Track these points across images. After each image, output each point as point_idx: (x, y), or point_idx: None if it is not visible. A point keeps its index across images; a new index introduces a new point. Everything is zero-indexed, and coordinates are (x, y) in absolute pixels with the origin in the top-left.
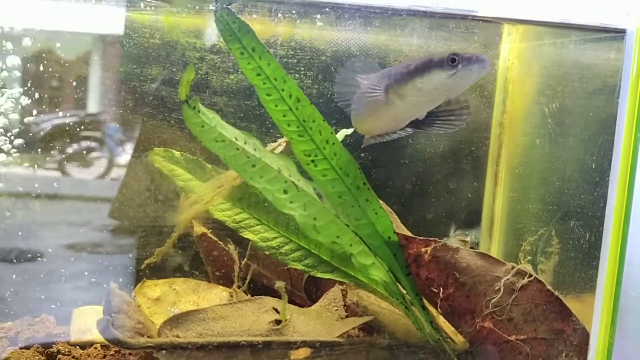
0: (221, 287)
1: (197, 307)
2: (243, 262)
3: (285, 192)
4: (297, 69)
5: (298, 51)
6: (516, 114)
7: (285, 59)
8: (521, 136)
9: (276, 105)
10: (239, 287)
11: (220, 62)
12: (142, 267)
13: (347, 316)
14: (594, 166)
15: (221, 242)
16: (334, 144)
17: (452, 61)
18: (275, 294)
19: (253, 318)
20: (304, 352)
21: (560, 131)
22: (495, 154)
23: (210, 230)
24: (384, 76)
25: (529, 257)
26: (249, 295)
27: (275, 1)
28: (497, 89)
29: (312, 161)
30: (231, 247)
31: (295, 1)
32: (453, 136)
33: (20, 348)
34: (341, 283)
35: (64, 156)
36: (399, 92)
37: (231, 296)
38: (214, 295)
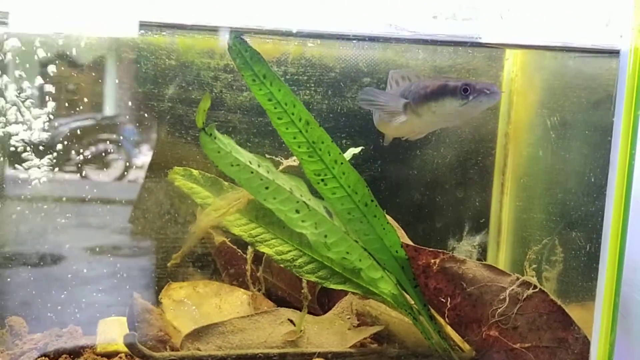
0: (242, 290)
1: (220, 309)
2: (259, 274)
3: (297, 211)
4: (308, 84)
5: (308, 68)
6: (520, 124)
7: (296, 76)
8: (525, 147)
9: (287, 128)
10: (259, 290)
11: (234, 81)
12: (169, 265)
13: (358, 324)
14: (598, 170)
15: (239, 251)
16: (342, 163)
17: (465, 91)
18: (289, 304)
19: (269, 330)
20: None
21: (563, 138)
22: (501, 164)
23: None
24: (404, 93)
25: (534, 266)
26: (267, 299)
27: (284, 33)
28: (502, 100)
29: (322, 180)
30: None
31: (303, 33)
32: (461, 146)
33: (50, 358)
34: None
35: (84, 159)
36: (416, 111)
37: (252, 299)
38: (235, 298)
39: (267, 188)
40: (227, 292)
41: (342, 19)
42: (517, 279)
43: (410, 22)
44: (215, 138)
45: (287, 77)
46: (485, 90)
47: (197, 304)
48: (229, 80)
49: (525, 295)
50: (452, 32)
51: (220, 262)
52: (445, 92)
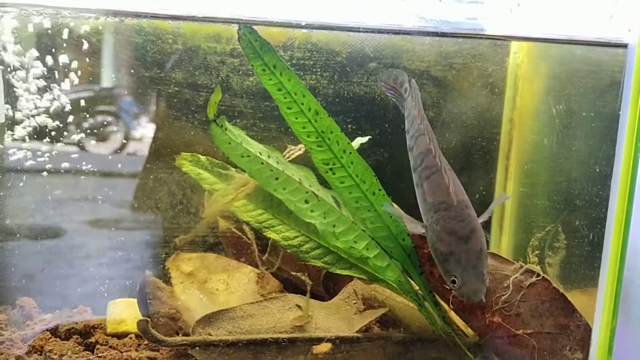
0: (250, 267)
1: (227, 285)
2: (264, 257)
3: (306, 202)
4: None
5: (314, 53)
6: (525, 110)
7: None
8: (530, 133)
9: (296, 118)
10: (267, 269)
11: (240, 65)
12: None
13: (365, 309)
14: (603, 160)
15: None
16: (350, 153)
17: (453, 282)
18: (296, 288)
19: (278, 315)
20: (326, 346)
21: (568, 126)
22: (505, 149)
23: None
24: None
25: (537, 252)
26: (275, 279)
27: (291, 26)
28: (507, 86)
29: (331, 169)
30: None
31: (312, 25)
32: (465, 132)
33: (61, 339)
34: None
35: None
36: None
37: (259, 277)
38: (242, 275)
39: (277, 179)
40: (235, 267)
41: (353, 8)
42: (521, 267)
43: (418, 6)
44: (226, 130)
45: (294, 61)
46: (468, 292)
47: (204, 278)
48: (236, 64)
49: (528, 283)
50: (460, 17)
51: (229, 250)
52: (440, 260)
